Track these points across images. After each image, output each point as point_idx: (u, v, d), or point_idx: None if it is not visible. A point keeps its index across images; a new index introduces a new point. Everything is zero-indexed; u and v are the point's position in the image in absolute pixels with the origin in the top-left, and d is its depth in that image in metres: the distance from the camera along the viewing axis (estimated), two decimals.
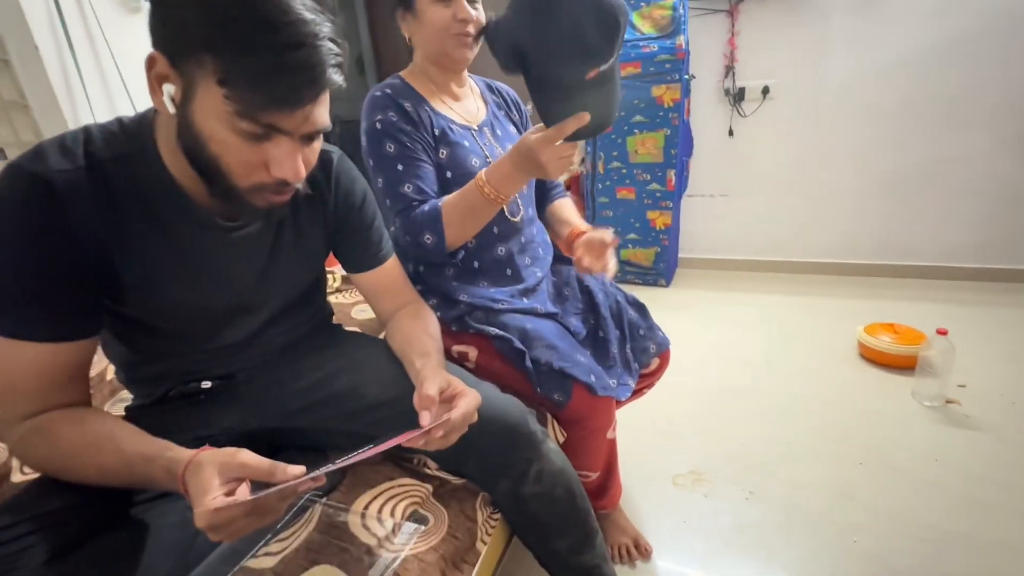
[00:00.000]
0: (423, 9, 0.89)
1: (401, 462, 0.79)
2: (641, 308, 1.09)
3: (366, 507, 0.68)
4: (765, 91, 2.41)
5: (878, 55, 2.22)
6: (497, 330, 0.91)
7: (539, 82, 0.74)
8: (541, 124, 0.79)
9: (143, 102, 1.55)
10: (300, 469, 0.49)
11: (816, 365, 1.79)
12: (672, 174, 2.42)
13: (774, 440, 1.42)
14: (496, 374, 0.89)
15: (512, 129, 1.07)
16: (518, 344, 0.89)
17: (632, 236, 2.59)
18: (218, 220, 0.62)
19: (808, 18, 2.27)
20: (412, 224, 0.89)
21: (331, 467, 0.49)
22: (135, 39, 1.58)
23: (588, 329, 1.01)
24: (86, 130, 0.57)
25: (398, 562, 0.60)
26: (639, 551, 1.10)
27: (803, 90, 2.37)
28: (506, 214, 0.98)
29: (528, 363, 0.87)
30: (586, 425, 0.91)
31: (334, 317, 0.93)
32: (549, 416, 0.92)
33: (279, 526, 0.64)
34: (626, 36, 2.34)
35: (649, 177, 2.47)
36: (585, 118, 0.73)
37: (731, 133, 2.54)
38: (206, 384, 0.72)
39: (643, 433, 1.47)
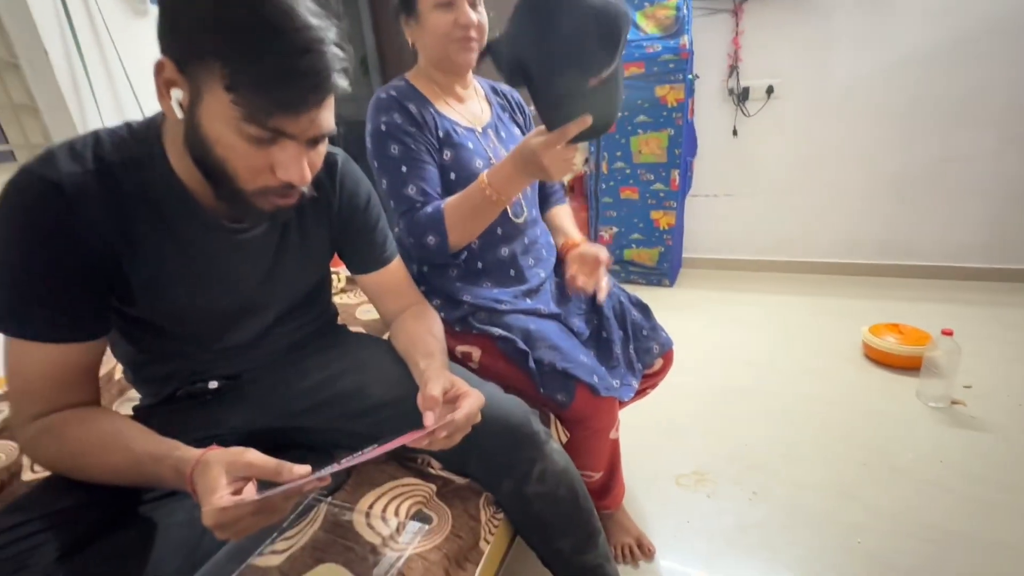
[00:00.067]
0: (425, 15, 0.89)
1: (405, 462, 0.80)
2: (644, 308, 1.09)
3: (371, 506, 0.69)
4: (769, 91, 2.41)
5: (884, 54, 2.21)
6: (500, 331, 0.91)
7: (542, 91, 0.75)
8: (543, 127, 0.80)
9: (150, 104, 1.57)
10: (306, 469, 0.50)
11: (820, 365, 1.78)
12: (676, 174, 2.41)
13: (778, 440, 1.42)
14: (499, 374, 0.90)
15: (516, 131, 1.07)
16: (521, 345, 0.89)
17: (636, 236, 2.59)
18: (224, 222, 0.63)
19: (813, 17, 2.26)
20: (415, 225, 0.90)
21: (336, 467, 0.50)
22: (142, 42, 1.59)
23: (591, 330, 1.01)
24: (95, 134, 0.58)
25: (402, 561, 0.61)
26: (642, 551, 1.10)
27: (808, 89, 2.36)
28: (510, 215, 0.98)
29: (531, 364, 0.88)
30: (589, 425, 0.92)
31: (339, 318, 0.94)
32: (552, 416, 0.92)
33: (285, 525, 0.64)
34: (630, 36, 2.35)
35: (653, 177, 2.46)
36: (587, 121, 0.74)
37: (735, 133, 2.54)
38: (213, 384, 0.73)
39: (646, 433, 1.47)
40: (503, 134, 1.03)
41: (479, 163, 0.95)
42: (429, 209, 0.89)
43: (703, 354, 1.90)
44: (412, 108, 0.91)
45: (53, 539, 0.50)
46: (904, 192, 2.36)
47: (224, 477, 0.48)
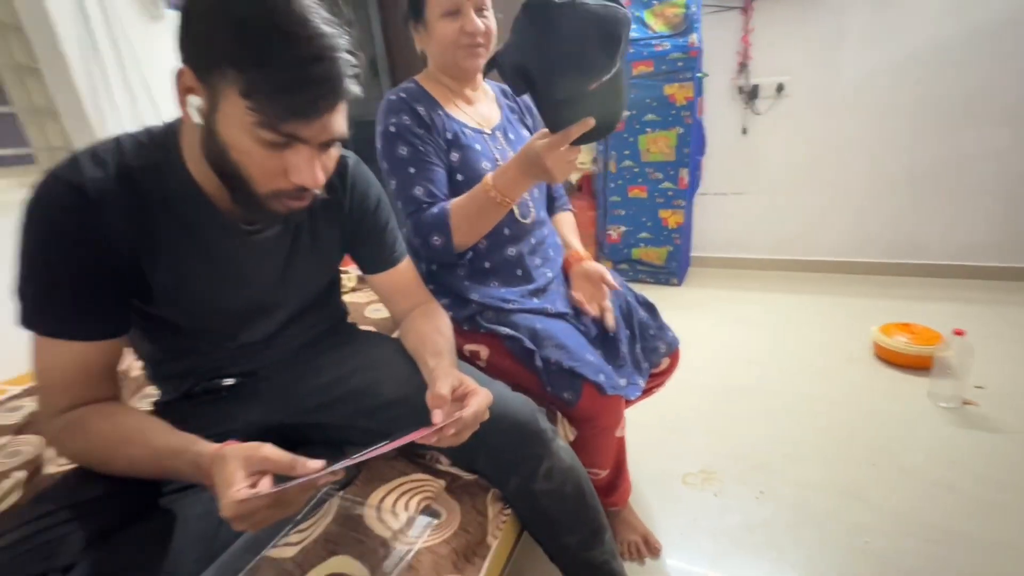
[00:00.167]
0: (433, 23, 0.91)
1: (414, 458, 0.81)
2: (651, 308, 1.10)
3: (381, 501, 0.71)
4: (779, 88, 2.39)
5: (894, 51, 2.19)
6: (508, 330, 0.92)
7: (543, 96, 0.76)
8: (546, 129, 0.81)
9: (165, 107, 1.61)
10: (319, 463, 0.51)
11: (829, 365, 1.77)
12: (684, 173, 2.41)
13: (785, 440, 1.42)
14: (507, 373, 0.91)
15: (525, 133, 1.09)
16: (528, 344, 0.90)
17: (644, 235, 2.59)
18: (239, 225, 0.65)
19: (824, 14, 2.24)
20: (422, 226, 0.91)
21: (349, 461, 0.51)
22: (157, 46, 1.62)
23: (598, 329, 1.02)
24: (117, 140, 0.60)
25: (412, 554, 0.63)
26: (648, 549, 1.11)
27: (818, 87, 2.34)
28: (517, 216, 0.99)
29: (538, 362, 0.89)
30: (595, 423, 0.93)
31: (349, 316, 0.96)
32: (559, 414, 0.93)
33: (299, 517, 0.66)
34: (638, 35, 2.35)
35: (661, 176, 2.46)
36: (590, 124, 0.75)
37: (744, 131, 2.52)
38: (228, 381, 0.75)
39: (653, 432, 1.47)
40: (512, 136, 1.04)
41: (486, 165, 0.96)
42: (435, 210, 0.91)
43: (711, 353, 1.90)
44: (421, 110, 0.93)
45: (79, 528, 0.52)
46: (915, 190, 2.34)
47: (241, 471, 0.50)
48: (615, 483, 1.08)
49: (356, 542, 0.63)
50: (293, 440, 0.78)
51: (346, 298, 1.09)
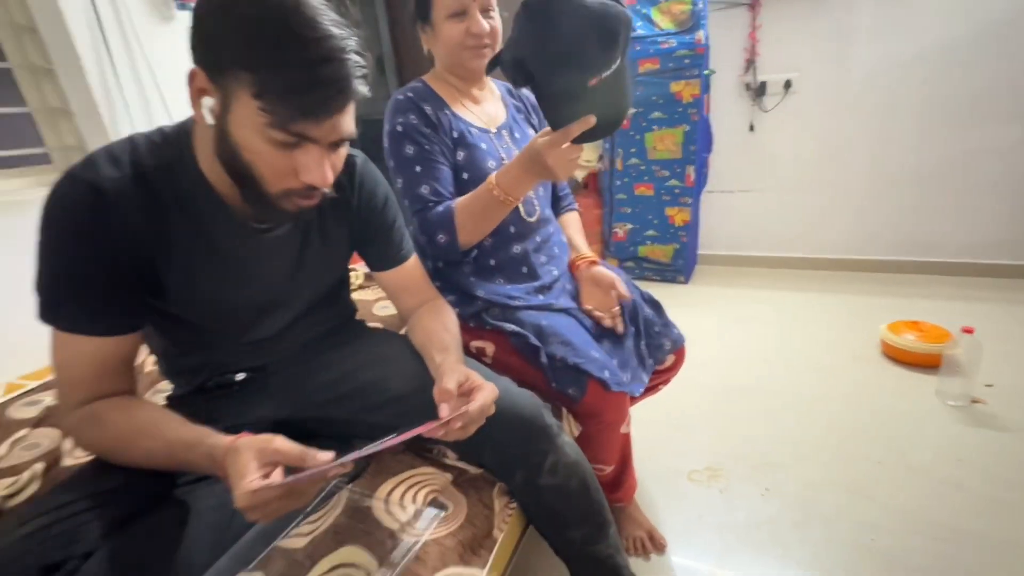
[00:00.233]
0: (439, 24, 0.92)
1: (422, 452, 0.83)
2: (656, 305, 1.10)
3: (389, 494, 0.72)
4: (787, 85, 2.38)
5: (904, 47, 2.16)
6: (513, 326, 0.93)
7: (544, 92, 0.77)
8: (549, 128, 0.81)
9: (176, 106, 1.63)
10: (329, 455, 0.53)
11: (837, 363, 1.77)
12: (691, 170, 2.40)
13: (792, 437, 1.42)
14: (513, 369, 0.92)
15: (530, 132, 1.09)
16: (533, 340, 0.91)
17: (650, 233, 2.59)
18: (250, 223, 0.66)
19: (832, 10, 2.22)
20: (427, 224, 0.93)
21: (357, 454, 0.53)
22: (169, 46, 1.64)
23: (603, 326, 1.03)
24: (131, 140, 0.62)
25: (419, 545, 0.64)
26: (653, 544, 1.11)
27: (826, 83, 2.33)
28: (522, 214, 1.00)
29: (543, 359, 0.90)
30: (600, 419, 0.93)
31: (357, 313, 0.97)
32: (564, 410, 0.94)
33: (309, 509, 0.68)
34: (644, 32, 2.34)
35: (668, 173, 2.46)
36: (591, 121, 0.75)
37: (752, 128, 2.51)
38: (240, 376, 0.77)
39: (659, 428, 1.48)
40: (517, 135, 1.05)
41: (492, 163, 0.97)
42: (440, 208, 0.92)
43: (718, 351, 1.90)
44: (428, 109, 0.94)
45: (98, 517, 0.54)
46: (924, 187, 2.32)
47: (254, 462, 0.51)
48: (620, 479, 1.08)
49: (364, 533, 0.65)
50: (303, 434, 0.79)
51: (354, 295, 1.10)
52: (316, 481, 0.54)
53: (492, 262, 1.01)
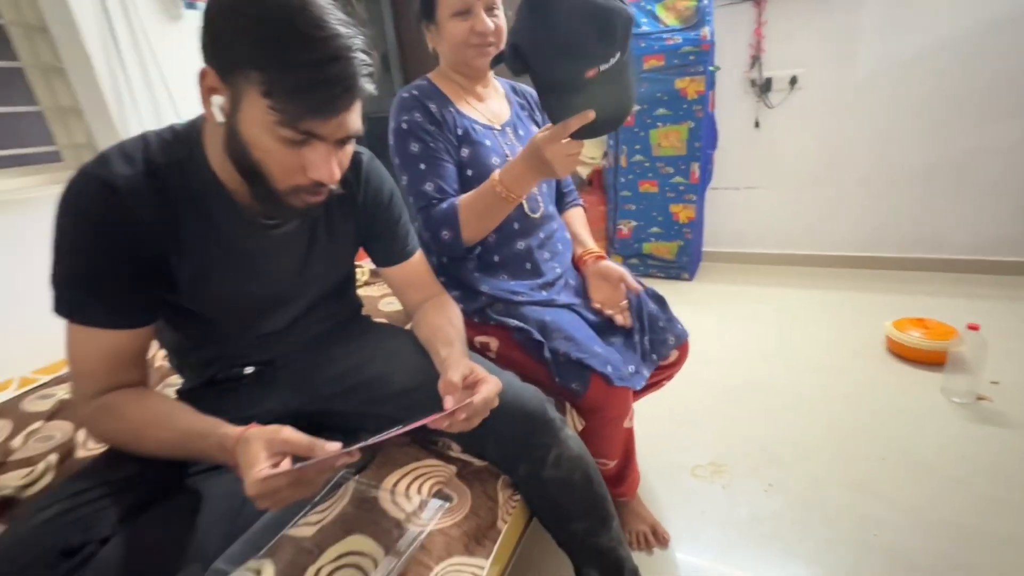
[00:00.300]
0: (444, 23, 0.93)
1: (427, 445, 0.84)
2: (660, 300, 1.11)
3: (395, 484, 0.73)
4: (793, 81, 2.37)
5: (911, 42, 2.15)
6: (517, 322, 0.94)
7: (541, 81, 0.77)
8: (550, 123, 0.82)
9: (184, 104, 1.65)
10: (337, 445, 0.54)
11: (841, 360, 1.76)
12: (696, 167, 2.40)
13: (795, 434, 1.42)
14: (516, 364, 0.93)
15: (534, 129, 1.10)
16: (537, 335, 0.92)
17: (655, 230, 2.59)
18: (259, 219, 0.67)
19: (838, 6, 2.21)
20: (431, 220, 0.94)
21: (364, 443, 0.54)
22: (176, 45, 1.66)
23: (607, 321, 1.03)
24: (144, 137, 0.63)
25: (424, 535, 0.65)
26: (656, 539, 1.12)
27: (833, 79, 2.31)
28: (526, 210, 1.01)
29: (547, 354, 0.91)
30: (603, 414, 0.94)
31: (363, 309, 0.99)
32: (568, 405, 0.95)
33: (317, 499, 0.69)
34: (649, 28, 2.34)
35: (672, 170, 2.45)
36: (589, 116, 0.75)
37: (757, 124, 2.50)
38: (249, 369, 0.78)
39: (663, 424, 1.49)
40: (521, 132, 1.06)
41: (496, 160, 0.98)
42: (445, 205, 0.93)
43: (722, 347, 1.90)
44: (432, 107, 0.95)
45: (114, 504, 0.55)
46: (930, 184, 2.30)
47: (264, 452, 0.52)
48: (623, 474, 1.09)
49: (371, 523, 0.66)
50: (311, 427, 0.80)
51: (360, 292, 1.12)
52: (324, 470, 0.55)
53: (496, 258, 1.02)
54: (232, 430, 0.57)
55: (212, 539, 0.60)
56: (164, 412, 0.62)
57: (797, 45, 2.32)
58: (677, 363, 1.13)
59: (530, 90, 1.16)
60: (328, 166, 0.58)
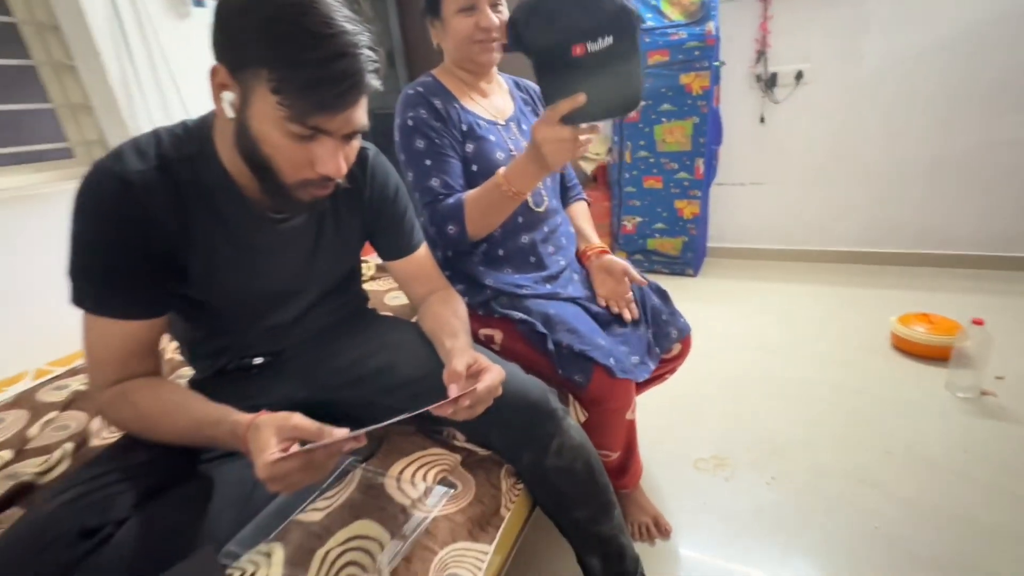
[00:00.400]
0: (449, 19, 0.94)
1: (432, 434, 0.86)
2: (663, 294, 1.12)
3: (401, 472, 0.75)
4: (799, 76, 2.36)
5: (918, 36, 2.14)
6: (521, 314, 0.96)
7: (534, 58, 0.78)
8: None
9: (192, 100, 1.67)
10: (344, 431, 0.56)
11: (846, 355, 1.77)
12: (700, 163, 2.40)
13: (799, 427, 1.43)
14: (520, 356, 0.94)
15: None
16: (540, 328, 0.94)
17: (659, 226, 2.59)
18: (268, 213, 0.69)
19: None
20: (438, 215, 0.95)
21: (371, 428, 0.56)
22: (185, 42, 1.68)
23: (611, 314, 1.05)
24: (156, 133, 0.65)
25: (429, 520, 0.67)
26: (659, 530, 1.13)
27: (839, 74, 2.30)
28: (530, 205, 1.02)
29: (550, 346, 0.92)
30: (606, 406, 0.96)
31: (369, 303, 1.00)
32: (570, 397, 0.96)
33: (325, 485, 0.71)
34: (654, 23, 2.34)
35: (677, 166, 2.45)
36: (579, 99, 0.74)
37: (762, 120, 2.50)
38: (258, 360, 0.80)
39: (666, 417, 1.50)
40: (524, 127, 1.07)
41: (500, 155, 0.99)
42: (451, 201, 0.94)
43: (726, 342, 1.91)
44: (437, 103, 0.96)
45: (129, 488, 0.57)
46: (936, 180, 2.29)
47: (274, 437, 0.54)
48: (626, 465, 1.11)
49: (378, 509, 0.68)
50: (318, 417, 0.82)
51: (366, 286, 1.13)
52: (332, 454, 0.57)
53: (501, 252, 1.03)
54: (243, 417, 0.59)
55: (224, 523, 0.62)
56: (177, 400, 0.64)
57: (803, 40, 2.31)
58: (680, 356, 1.14)
59: (533, 85, 1.17)
60: (335, 160, 0.60)
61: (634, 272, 1.04)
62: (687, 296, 2.31)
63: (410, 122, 0.96)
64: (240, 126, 0.58)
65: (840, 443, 1.36)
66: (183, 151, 0.64)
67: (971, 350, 1.46)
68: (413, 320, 0.94)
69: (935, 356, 1.65)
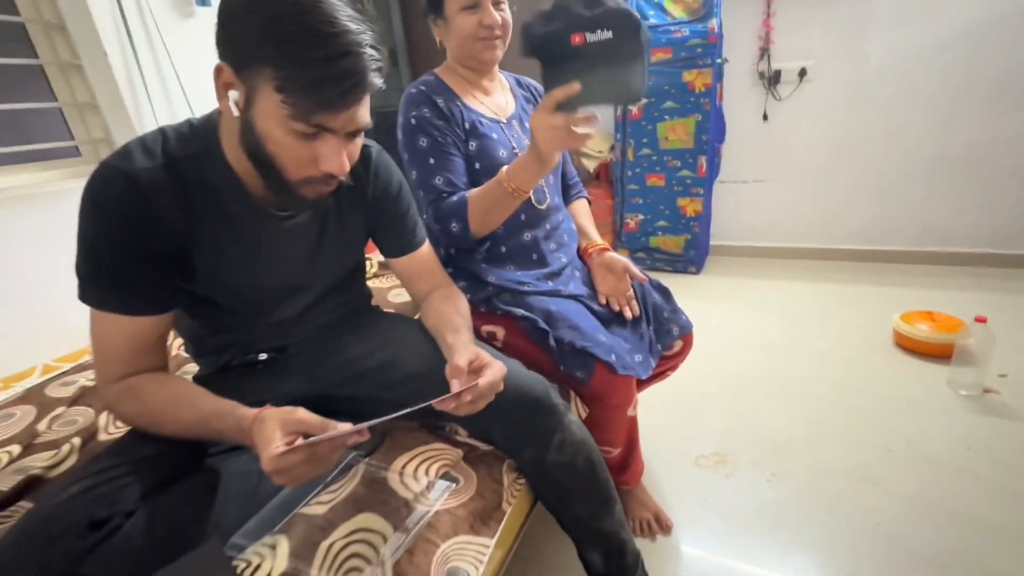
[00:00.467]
0: (452, 17, 0.95)
1: (434, 430, 0.86)
2: (665, 292, 1.12)
3: (403, 466, 0.76)
4: (802, 73, 2.35)
5: (923, 33, 2.13)
6: (523, 311, 0.96)
7: (539, 52, 0.79)
8: None
9: (197, 98, 1.68)
10: (348, 425, 0.57)
11: (848, 353, 1.77)
12: (703, 160, 2.40)
13: (800, 425, 1.43)
14: (522, 352, 0.95)
15: None
16: (542, 324, 0.94)
17: (662, 223, 2.59)
18: (273, 211, 0.70)
19: None
20: (441, 213, 0.96)
21: (374, 422, 0.56)
22: (189, 41, 1.69)
23: (612, 311, 1.05)
24: (162, 131, 0.66)
25: (431, 514, 0.68)
26: (660, 526, 1.14)
27: (843, 71, 2.29)
28: (533, 202, 1.03)
29: (552, 342, 0.93)
30: (607, 402, 0.96)
31: (372, 300, 1.01)
32: (572, 393, 0.97)
33: (329, 479, 0.72)
34: (656, 20, 2.34)
35: (680, 164, 2.45)
36: (574, 87, 0.75)
37: (765, 117, 2.49)
38: (263, 356, 0.81)
39: (668, 414, 1.50)
40: (526, 125, 1.07)
41: (503, 153, 1.00)
42: (455, 199, 0.95)
43: (729, 340, 1.91)
44: (440, 102, 0.97)
45: (137, 481, 0.58)
46: (938, 177, 2.28)
47: (279, 431, 0.55)
48: (627, 461, 1.11)
49: (381, 502, 0.69)
50: (322, 412, 0.84)
51: (369, 283, 1.14)
52: (336, 448, 0.57)
53: (503, 249, 1.04)
54: (249, 411, 0.60)
55: (229, 515, 0.63)
56: (184, 395, 0.65)
57: (806, 37, 2.30)
58: (681, 354, 1.15)
59: (535, 83, 1.17)
60: (339, 158, 0.61)
61: (635, 269, 1.04)
62: (689, 294, 2.31)
63: (413, 121, 0.96)
64: (245, 124, 0.59)
65: (841, 441, 1.36)
66: (189, 149, 0.65)
67: (974, 348, 1.45)
68: (416, 317, 0.95)
69: (937, 354, 1.65)
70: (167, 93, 1.65)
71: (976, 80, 2.11)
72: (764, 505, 1.18)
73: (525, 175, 0.88)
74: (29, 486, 0.77)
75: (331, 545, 0.62)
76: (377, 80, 0.58)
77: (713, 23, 2.20)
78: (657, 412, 1.46)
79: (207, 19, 1.71)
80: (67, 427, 0.94)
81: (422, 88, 0.98)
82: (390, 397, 0.79)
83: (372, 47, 0.56)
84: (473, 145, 0.99)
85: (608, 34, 0.74)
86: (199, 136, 0.66)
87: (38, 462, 0.82)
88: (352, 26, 0.54)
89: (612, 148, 2.63)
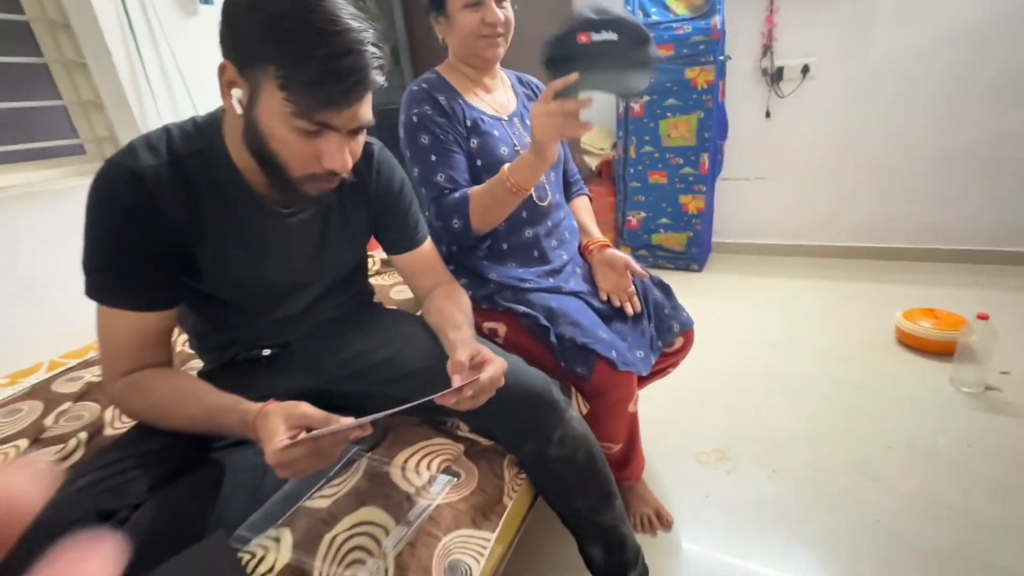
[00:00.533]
0: (454, 14, 0.95)
1: (436, 425, 0.87)
2: (666, 288, 1.12)
3: (405, 461, 0.76)
4: (805, 70, 2.34)
5: (926, 30, 2.12)
6: (524, 308, 0.97)
7: (551, 49, 0.81)
8: None
9: (200, 96, 1.68)
10: (351, 419, 0.57)
11: (850, 350, 1.77)
12: (705, 158, 2.39)
13: (802, 422, 1.43)
14: (523, 349, 0.96)
15: None
16: (543, 321, 0.95)
17: (664, 221, 2.59)
18: (276, 208, 0.70)
19: None
20: (443, 210, 0.96)
21: (376, 416, 0.57)
22: (193, 39, 1.70)
23: (613, 308, 1.06)
24: (167, 129, 0.66)
25: (432, 507, 0.68)
26: (660, 522, 1.15)
27: (845, 68, 2.29)
28: (534, 199, 1.03)
29: (553, 339, 0.94)
30: (608, 398, 0.97)
31: (375, 297, 1.02)
32: (573, 389, 0.98)
33: (332, 473, 0.73)
34: (659, 17, 2.33)
35: (682, 161, 2.45)
36: (572, 78, 0.78)
37: (768, 115, 2.48)
38: (266, 351, 0.82)
39: (669, 411, 1.51)
40: (528, 122, 1.08)
41: (504, 150, 1.00)
42: (456, 195, 0.96)
43: (730, 337, 1.91)
44: (442, 100, 0.97)
45: (145, 474, 0.59)
46: (941, 174, 2.28)
47: (282, 425, 0.56)
48: (628, 457, 1.12)
49: (383, 496, 0.69)
50: (325, 407, 0.84)
51: (372, 280, 1.15)
52: (339, 442, 0.58)
53: (504, 246, 1.04)
54: (253, 405, 0.61)
55: (234, 508, 0.64)
56: (189, 389, 0.66)
57: (809, 34, 2.29)
58: (682, 350, 1.15)
59: (536, 80, 1.17)
60: (341, 155, 0.61)
61: (636, 265, 1.05)
62: (691, 291, 2.31)
63: (415, 118, 0.97)
64: (248, 122, 0.59)
65: (842, 438, 1.36)
66: (193, 146, 0.65)
67: (976, 345, 1.45)
68: (418, 314, 0.95)
69: (939, 351, 1.64)
70: (171, 91, 1.66)
71: (977, 78, 2.10)
72: (765, 501, 1.19)
73: (524, 171, 0.89)
74: None
75: (334, 538, 0.63)
76: (379, 78, 0.58)
77: (716, 20, 2.19)
78: (658, 409, 1.46)
79: (210, 17, 1.72)
80: (74, 422, 0.95)
81: (424, 86, 0.99)
82: (392, 393, 0.80)
83: (374, 45, 0.56)
84: (475, 142, 0.99)
85: (612, 35, 0.76)
86: (203, 134, 0.67)
87: (45, 456, 0.83)
88: (354, 24, 0.55)
89: (614, 145, 2.63)
